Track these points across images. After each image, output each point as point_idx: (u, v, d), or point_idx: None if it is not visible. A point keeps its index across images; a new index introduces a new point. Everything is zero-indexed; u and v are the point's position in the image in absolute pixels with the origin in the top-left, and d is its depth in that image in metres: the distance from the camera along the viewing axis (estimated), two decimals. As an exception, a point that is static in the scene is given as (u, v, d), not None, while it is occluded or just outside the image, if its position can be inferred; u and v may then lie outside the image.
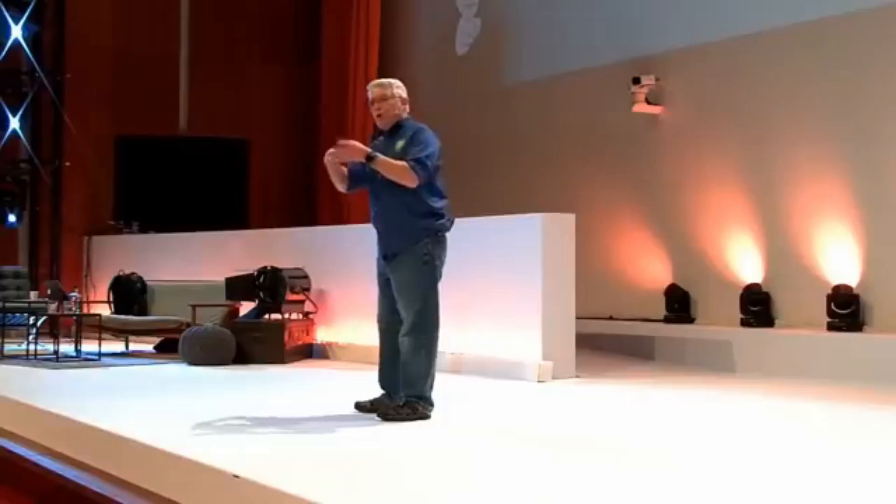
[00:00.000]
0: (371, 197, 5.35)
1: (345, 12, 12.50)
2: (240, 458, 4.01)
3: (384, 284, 5.31)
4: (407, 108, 5.35)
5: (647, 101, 9.45)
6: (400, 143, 5.19)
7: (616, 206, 9.73)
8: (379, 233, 5.31)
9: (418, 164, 5.08)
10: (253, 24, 12.79)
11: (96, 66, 11.86)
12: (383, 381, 5.36)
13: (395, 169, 5.09)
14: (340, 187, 5.45)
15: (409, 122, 5.32)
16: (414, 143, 5.17)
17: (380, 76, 12.35)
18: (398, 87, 5.32)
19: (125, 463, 4.48)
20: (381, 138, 5.34)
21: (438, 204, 5.22)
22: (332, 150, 5.27)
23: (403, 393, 5.16)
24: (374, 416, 5.19)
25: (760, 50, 8.66)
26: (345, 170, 5.36)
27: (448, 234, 5.29)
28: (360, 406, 5.33)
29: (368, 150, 5.14)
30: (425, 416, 5.11)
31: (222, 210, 12.01)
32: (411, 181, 5.08)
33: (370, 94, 5.31)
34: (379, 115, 5.28)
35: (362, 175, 5.30)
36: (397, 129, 5.28)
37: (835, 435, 5.12)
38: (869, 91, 7.96)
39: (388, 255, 5.24)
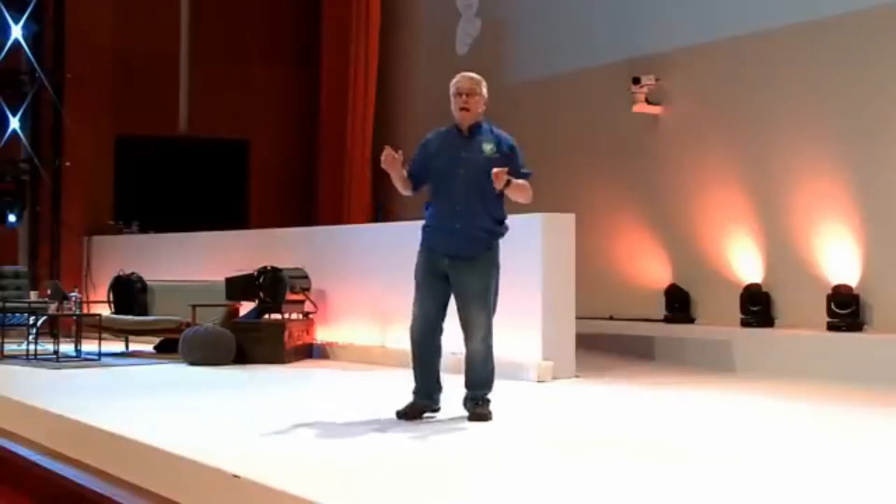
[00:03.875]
0: (444, 191, 5.18)
1: (345, 13, 12.50)
2: (240, 458, 4.01)
3: (435, 281, 5.17)
4: (485, 111, 5.26)
5: (647, 101, 9.45)
6: (489, 147, 5.14)
7: (616, 206, 9.73)
8: (453, 232, 5.13)
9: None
10: (253, 25, 12.79)
11: (96, 66, 11.87)
12: (426, 388, 5.26)
13: (524, 191, 5.14)
14: (406, 191, 5.31)
15: (487, 124, 5.25)
16: (515, 155, 5.18)
17: (380, 76, 12.55)
18: (485, 87, 5.23)
19: (125, 463, 4.48)
20: (454, 136, 5.23)
21: (504, 212, 5.28)
22: (387, 155, 5.12)
23: (481, 394, 5.21)
24: (379, 417, 5.19)
25: (760, 50, 8.66)
26: (405, 172, 5.24)
27: None
28: (401, 414, 5.18)
29: (508, 179, 5.04)
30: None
31: (222, 210, 12.02)
32: (528, 199, 5.19)
33: (457, 86, 5.18)
34: (465, 109, 5.14)
35: (426, 170, 5.22)
36: (477, 129, 5.19)
37: (835, 435, 5.12)
38: (869, 91, 7.95)
39: (458, 256, 5.12)
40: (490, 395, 5.24)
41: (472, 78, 5.21)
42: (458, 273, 5.12)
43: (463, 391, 5.27)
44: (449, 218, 5.14)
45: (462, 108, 5.14)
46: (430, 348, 5.23)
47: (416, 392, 5.26)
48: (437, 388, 5.29)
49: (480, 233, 5.13)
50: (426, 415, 5.23)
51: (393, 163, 5.12)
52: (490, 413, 5.16)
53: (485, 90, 5.20)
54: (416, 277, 5.24)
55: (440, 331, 5.23)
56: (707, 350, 8.18)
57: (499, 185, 4.98)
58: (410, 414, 5.16)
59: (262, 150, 12.52)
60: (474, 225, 5.12)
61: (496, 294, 5.24)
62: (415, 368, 5.28)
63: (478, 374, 5.21)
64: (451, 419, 5.24)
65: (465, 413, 5.21)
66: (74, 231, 11.77)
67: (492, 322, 5.19)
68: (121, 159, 11.97)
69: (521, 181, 5.11)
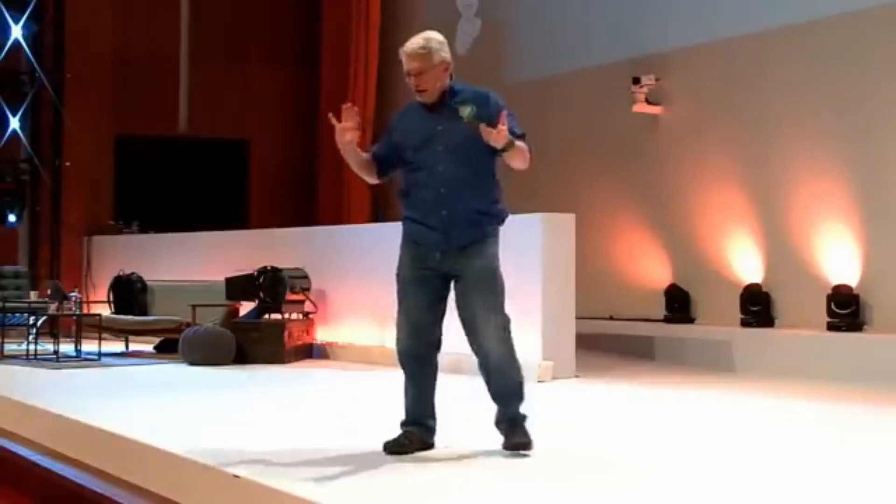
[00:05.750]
0: (419, 177, 4.30)
1: (345, 13, 12.49)
2: (240, 458, 4.01)
3: (426, 282, 4.27)
4: (450, 72, 4.31)
5: (647, 101, 9.45)
6: (468, 110, 4.19)
7: (616, 206, 9.72)
8: (441, 219, 4.23)
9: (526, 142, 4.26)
10: (253, 25, 12.78)
11: (96, 66, 11.87)
12: (417, 411, 4.36)
13: (524, 154, 4.25)
14: (370, 178, 4.46)
15: (460, 85, 4.34)
16: (499, 109, 4.27)
17: (380, 76, 12.53)
18: (438, 52, 4.25)
19: (125, 463, 4.48)
20: (425, 108, 4.33)
21: (499, 190, 4.41)
22: (343, 128, 4.33)
23: (511, 410, 4.26)
24: (379, 417, 5.16)
25: (760, 50, 8.66)
26: (365, 155, 4.41)
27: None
28: (391, 448, 4.27)
29: (509, 138, 4.16)
30: None
31: (222, 210, 12.03)
32: (526, 164, 4.28)
33: (405, 67, 4.27)
34: (421, 91, 4.27)
35: (396, 155, 4.37)
36: (449, 94, 4.28)
37: (835, 435, 5.12)
38: (869, 90, 7.96)
39: (450, 248, 4.23)
40: (520, 415, 4.27)
41: (415, 55, 4.23)
42: (454, 263, 4.24)
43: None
44: (434, 204, 4.24)
45: (418, 91, 4.28)
46: (423, 367, 4.32)
47: (407, 423, 4.34)
48: (433, 417, 4.39)
49: (474, 215, 4.25)
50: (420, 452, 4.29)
51: (342, 135, 4.31)
52: (530, 438, 4.20)
53: (440, 55, 4.24)
54: (398, 279, 4.35)
55: (436, 345, 4.32)
56: (707, 350, 8.18)
57: (499, 143, 4.10)
58: (405, 449, 4.25)
59: (262, 150, 12.53)
60: (466, 208, 4.23)
61: (504, 286, 4.34)
62: (406, 393, 4.36)
63: (504, 379, 4.25)
64: (451, 421, 5.24)
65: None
66: (74, 231, 11.77)
67: (507, 316, 4.30)
68: (121, 159, 11.99)
69: (521, 144, 4.24)
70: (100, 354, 8.40)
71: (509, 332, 4.29)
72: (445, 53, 4.29)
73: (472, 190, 4.27)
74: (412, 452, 4.25)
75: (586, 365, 7.51)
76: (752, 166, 8.69)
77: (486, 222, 4.31)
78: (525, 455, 4.16)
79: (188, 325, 8.54)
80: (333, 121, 4.35)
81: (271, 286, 8.59)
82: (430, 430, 4.36)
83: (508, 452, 4.22)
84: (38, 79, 11.51)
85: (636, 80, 9.40)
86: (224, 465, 3.88)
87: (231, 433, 4.80)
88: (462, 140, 4.20)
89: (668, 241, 9.33)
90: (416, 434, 4.31)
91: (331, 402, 6.29)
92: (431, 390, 4.37)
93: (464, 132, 4.19)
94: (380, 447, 4.27)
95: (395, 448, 4.25)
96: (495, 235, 4.35)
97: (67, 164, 11.65)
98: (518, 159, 4.26)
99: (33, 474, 4.81)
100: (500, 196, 4.39)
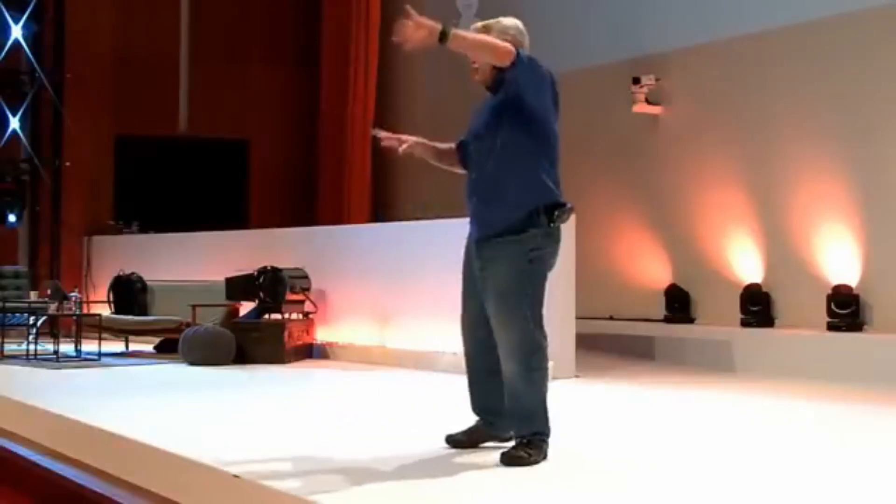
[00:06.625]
0: (468, 163, 4.21)
1: (345, 13, 12.49)
2: (240, 458, 4.01)
3: (472, 287, 4.15)
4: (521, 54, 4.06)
5: (647, 101, 9.46)
6: (500, 97, 4.09)
7: (616, 206, 9.73)
8: (471, 209, 4.10)
9: (515, 51, 3.93)
10: (253, 25, 12.78)
11: (96, 66, 11.87)
12: (478, 403, 4.27)
13: (482, 43, 3.93)
14: (455, 169, 4.30)
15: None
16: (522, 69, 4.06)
17: (380, 76, 12.53)
18: (500, 34, 4.11)
19: (125, 463, 4.48)
20: (487, 98, 4.23)
21: (552, 172, 4.11)
22: (405, 142, 4.20)
23: (520, 432, 4.03)
24: (379, 416, 5.16)
25: (760, 50, 8.66)
26: (442, 146, 4.30)
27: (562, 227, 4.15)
28: (454, 440, 4.24)
29: (438, 25, 3.74)
30: (546, 455, 4.05)
31: (222, 210, 12.03)
32: (503, 56, 3.92)
33: None
34: (473, 69, 4.17)
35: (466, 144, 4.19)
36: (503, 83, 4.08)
37: (835, 435, 5.12)
38: (869, 91, 7.96)
39: (479, 239, 4.03)
40: (537, 435, 4.02)
41: (475, 30, 4.17)
42: (482, 263, 4.01)
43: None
44: (469, 191, 4.10)
45: (473, 71, 4.18)
46: (478, 363, 4.18)
47: (473, 412, 4.30)
48: (498, 412, 4.18)
49: (500, 204, 3.95)
50: (487, 444, 4.24)
51: (412, 148, 4.19)
52: (528, 456, 3.94)
53: (501, 38, 4.07)
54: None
55: (491, 344, 4.09)
56: (707, 350, 8.18)
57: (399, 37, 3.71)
58: (461, 444, 4.21)
59: (262, 150, 12.52)
60: (491, 194, 3.98)
61: (537, 298, 4.03)
62: (468, 387, 4.30)
63: (513, 400, 4.04)
64: (451, 421, 5.24)
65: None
66: (74, 231, 11.76)
67: (536, 336, 3.98)
68: (121, 159, 11.99)
69: (466, 33, 3.94)
70: (100, 354, 8.40)
71: (530, 352, 3.98)
72: (509, 38, 4.06)
73: (504, 175, 3.96)
74: (469, 447, 4.19)
75: (586, 365, 7.51)
76: (752, 166, 8.70)
77: (515, 216, 3.95)
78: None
79: (188, 325, 8.54)
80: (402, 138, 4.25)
81: (271, 286, 8.59)
82: (493, 425, 4.21)
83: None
84: (38, 79, 11.51)
85: (636, 80, 9.41)
86: (224, 465, 3.88)
87: (231, 433, 4.80)
88: (503, 122, 3.96)
89: (668, 241, 9.33)
90: (480, 429, 4.23)
91: (331, 402, 6.29)
92: (489, 389, 4.16)
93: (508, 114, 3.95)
94: (380, 447, 4.28)
95: (452, 442, 4.23)
96: (528, 232, 3.98)
97: (67, 164, 11.64)
98: (470, 48, 3.93)
99: (33, 474, 4.81)
100: (545, 186, 4.04)
